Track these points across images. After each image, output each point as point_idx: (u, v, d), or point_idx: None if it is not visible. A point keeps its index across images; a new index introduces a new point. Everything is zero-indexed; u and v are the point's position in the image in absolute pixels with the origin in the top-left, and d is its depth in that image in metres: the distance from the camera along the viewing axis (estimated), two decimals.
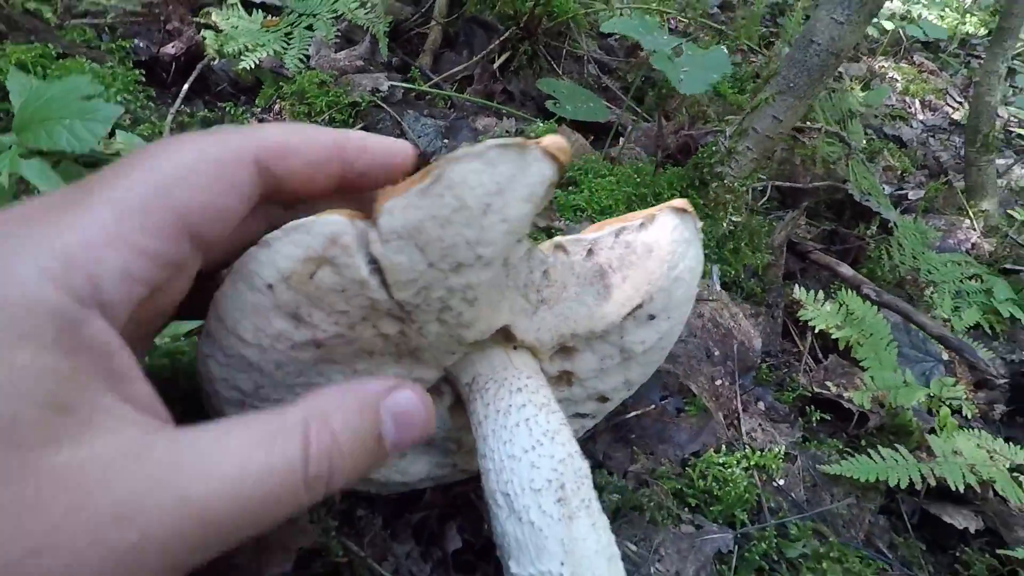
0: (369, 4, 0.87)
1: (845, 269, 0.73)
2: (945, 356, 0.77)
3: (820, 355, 0.69)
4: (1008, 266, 1.16)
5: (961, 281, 0.99)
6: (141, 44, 0.72)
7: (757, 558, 0.42)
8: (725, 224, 0.67)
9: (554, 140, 0.28)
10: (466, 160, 0.25)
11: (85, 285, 0.19)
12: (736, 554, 0.42)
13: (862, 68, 2.58)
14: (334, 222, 0.26)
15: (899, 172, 1.52)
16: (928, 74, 2.65)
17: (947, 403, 0.74)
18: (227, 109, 0.73)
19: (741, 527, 0.43)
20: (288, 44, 0.83)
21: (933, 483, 0.50)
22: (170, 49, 0.73)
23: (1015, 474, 0.56)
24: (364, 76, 0.83)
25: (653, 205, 0.66)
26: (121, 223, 0.20)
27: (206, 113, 0.71)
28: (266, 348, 0.28)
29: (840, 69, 2.57)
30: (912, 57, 2.83)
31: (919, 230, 1.04)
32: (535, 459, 0.30)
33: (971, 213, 1.20)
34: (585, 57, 1.13)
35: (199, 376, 0.31)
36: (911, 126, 2.02)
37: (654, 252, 0.36)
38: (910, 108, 2.36)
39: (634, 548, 0.39)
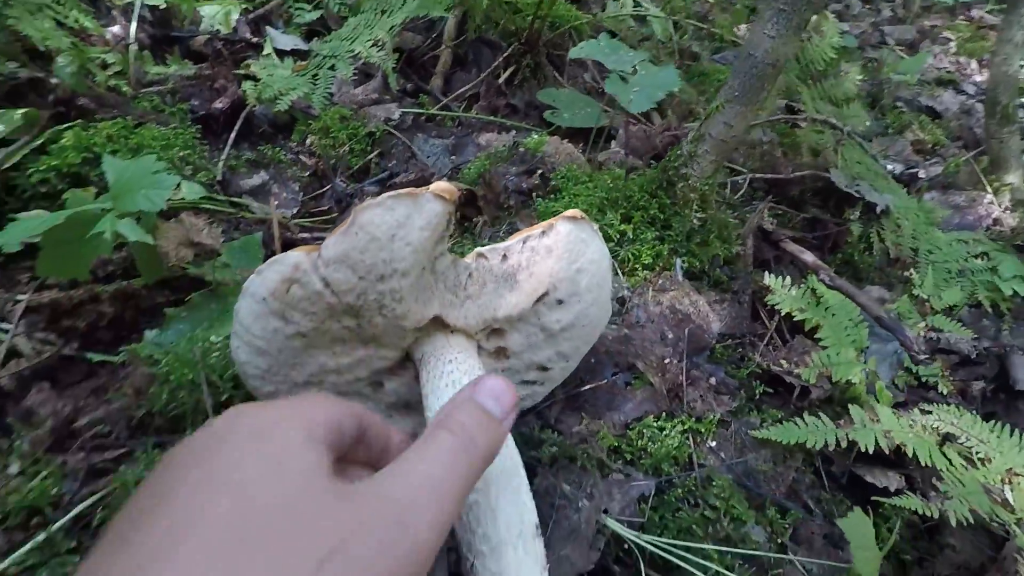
0: (380, 43, 1.00)
1: (807, 256, 0.79)
2: (922, 334, 0.81)
3: (788, 336, 0.76)
4: None
5: (966, 259, 1.01)
6: (196, 103, 0.88)
7: (674, 500, 0.51)
8: (692, 220, 0.75)
9: (440, 185, 0.39)
10: (370, 208, 0.37)
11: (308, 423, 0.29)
12: (659, 498, 0.51)
13: (911, 30, 2.47)
14: (296, 255, 0.38)
15: (930, 146, 1.50)
16: (988, 30, 2.49)
17: (924, 379, 0.79)
18: (266, 152, 0.87)
19: (662, 473, 0.53)
20: (315, 85, 0.96)
21: (845, 445, 0.57)
22: (218, 104, 0.88)
23: (947, 443, 0.61)
24: (378, 107, 0.96)
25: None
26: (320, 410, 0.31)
27: (249, 156, 0.86)
28: (268, 339, 0.42)
29: (886, 32, 2.47)
30: (970, 12, 2.66)
31: (923, 209, 1.06)
32: None
33: (992, 187, 1.19)
34: (589, 62, 1.21)
35: (233, 362, 0.44)
36: (962, 91, 1.93)
37: (553, 252, 0.46)
38: (965, 70, 2.25)
39: (568, 488, 0.50)
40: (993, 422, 0.66)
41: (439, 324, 0.45)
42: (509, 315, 0.47)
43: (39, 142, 0.71)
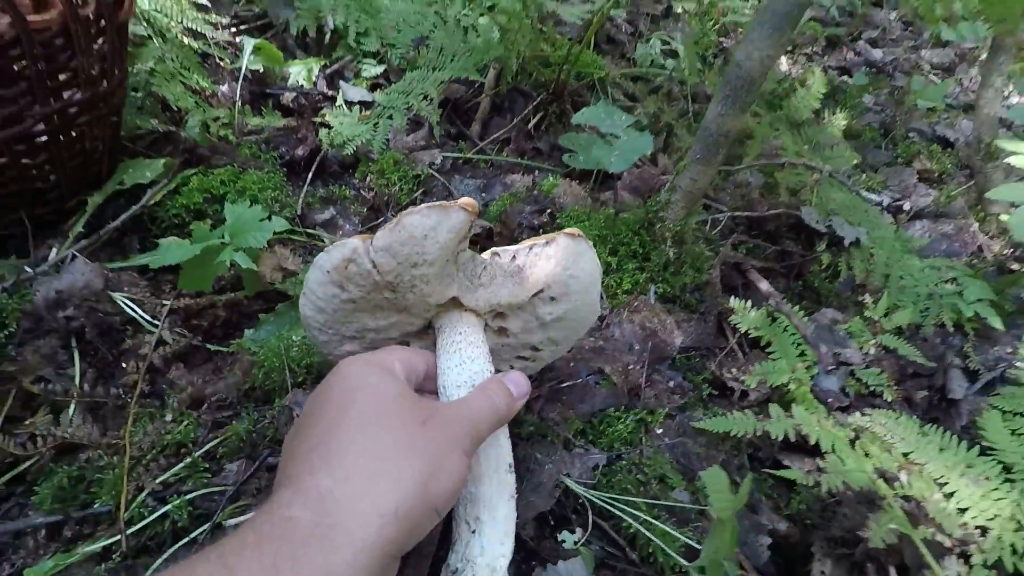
0: (429, 97, 1.21)
1: (763, 284, 0.94)
2: (871, 352, 0.95)
3: (747, 350, 0.92)
4: (1014, 267, 1.25)
5: (936, 284, 1.12)
6: (283, 150, 1.12)
7: (620, 470, 0.69)
8: (668, 254, 0.92)
9: (465, 200, 0.54)
10: (411, 214, 0.52)
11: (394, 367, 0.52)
12: (608, 468, 0.69)
13: (949, 54, 2.50)
14: (355, 242, 0.54)
15: (936, 174, 1.58)
16: None
17: (872, 388, 0.92)
18: (334, 190, 1.10)
19: (614, 450, 0.71)
20: (375, 132, 1.19)
21: (760, 435, 0.73)
22: (300, 151, 1.12)
23: (860, 439, 0.76)
24: (424, 152, 1.18)
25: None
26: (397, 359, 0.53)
27: (322, 193, 1.09)
28: (327, 301, 0.58)
29: (923, 56, 2.50)
30: None
31: (900, 239, 1.18)
32: (459, 370, 0.57)
33: (977, 217, 1.29)
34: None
35: (301, 316, 0.62)
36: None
37: (552, 259, 0.60)
38: None
39: (539, 456, 0.68)
40: (931, 425, 0.80)
41: (456, 303, 0.61)
42: (511, 303, 0.61)
43: (173, 185, 0.96)
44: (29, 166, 0.81)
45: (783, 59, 2.07)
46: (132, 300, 0.77)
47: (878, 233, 1.15)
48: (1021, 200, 1.03)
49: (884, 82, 2.09)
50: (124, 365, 0.74)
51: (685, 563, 0.61)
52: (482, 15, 1.44)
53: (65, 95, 0.80)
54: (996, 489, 0.76)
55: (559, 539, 0.64)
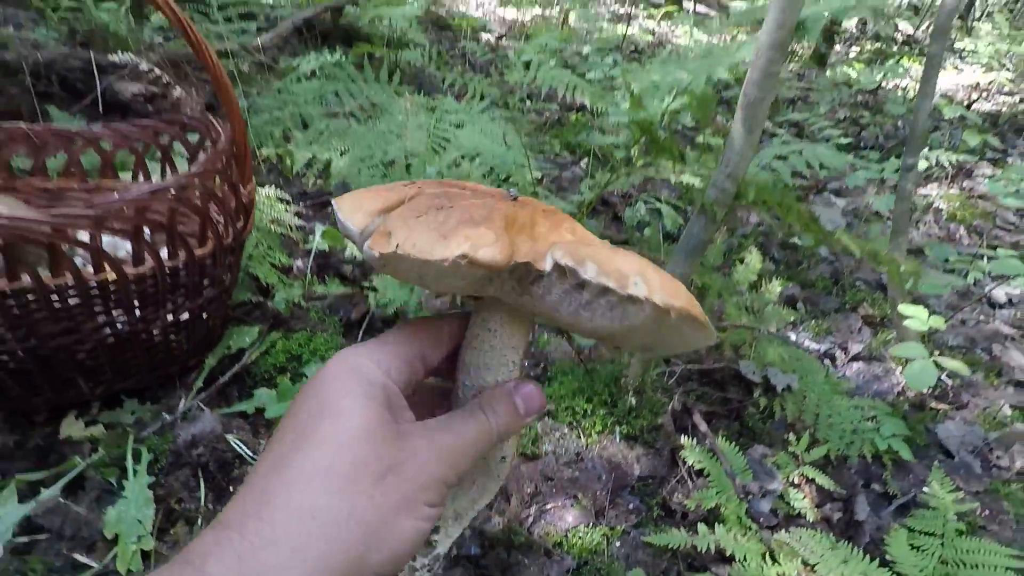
0: None
1: (703, 426, 1.22)
2: (795, 480, 1.20)
3: (695, 479, 1.18)
4: (933, 404, 1.51)
5: (859, 422, 1.39)
6: (341, 313, 1.48)
7: (586, 572, 0.95)
8: (630, 402, 1.22)
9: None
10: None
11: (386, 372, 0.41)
12: (577, 571, 0.95)
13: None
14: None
15: (878, 319, 1.88)
16: (978, 199, 2.84)
17: (798, 510, 1.17)
18: None
19: (582, 558, 0.97)
20: (411, 295, 1.55)
21: (690, 547, 0.98)
22: (354, 314, 1.47)
23: (775, 552, 1.01)
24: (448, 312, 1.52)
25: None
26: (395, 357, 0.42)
27: None
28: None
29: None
30: (963, 181, 3.02)
31: (830, 382, 1.46)
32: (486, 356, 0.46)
33: (900, 361, 1.57)
34: None
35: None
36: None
37: (638, 317, 0.42)
38: (955, 236, 2.61)
39: (526, 560, 0.95)
40: (843, 542, 1.04)
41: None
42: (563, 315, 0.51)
43: (264, 347, 1.31)
44: (173, 342, 1.17)
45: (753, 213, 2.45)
46: (240, 440, 1.08)
47: (810, 378, 1.43)
48: (913, 356, 1.32)
49: (844, 230, 2.44)
50: (232, 489, 1.04)
51: None
52: (499, 186, 1.84)
53: (204, 293, 1.17)
54: None
55: None
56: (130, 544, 0.89)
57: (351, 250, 1.72)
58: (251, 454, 1.07)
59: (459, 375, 0.46)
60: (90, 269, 0.97)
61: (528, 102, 3.06)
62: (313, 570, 0.34)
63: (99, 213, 0.92)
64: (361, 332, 1.45)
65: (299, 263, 1.62)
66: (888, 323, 1.84)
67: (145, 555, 0.90)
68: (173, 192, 1.00)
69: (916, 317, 1.40)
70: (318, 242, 1.62)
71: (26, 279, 0.92)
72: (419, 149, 2.00)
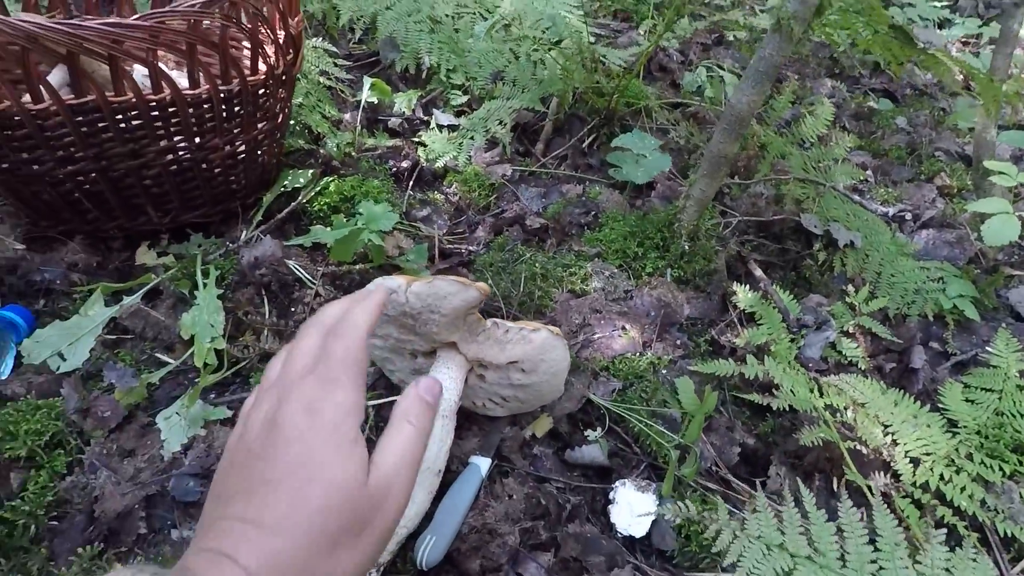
0: (503, 122, 1.53)
1: (758, 272, 1.19)
2: (849, 330, 1.17)
3: (744, 323, 1.17)
4: (1007, 271, 1.43)
5: (924, 282, 1.33)
6: (391, 163, 1.47)
7: (631, 393, 0.97)
8: (683, 246, 1.19)
9: (483, 285, 0.72)
10: (442, 281, 0.71)
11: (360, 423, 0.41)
12: (623, 392, 0.98)
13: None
14: (400, 280, 0.72)
15: (956, 190, 1.75)
16: None
17: (849, 359, 1.16)
18: (428, 195, 1.44)
19: (628, 381, 0.99)
20: (460, 150, 1.53)
21: (737, 376, 0.98)
22: (404, 164, 1.47)
23: (815, 385, 1.01)
24: (498, 167, 1.50)
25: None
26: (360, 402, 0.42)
27: (420, 196, 1.43)
28: None
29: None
30: None
31: (896, 243, 1.39)
32: None
33: (976, 226, 1.47)
34: (651, 129, 1.66)
35: None
36: None
37: (532, 343, 0.78)
38: None
39: (572, 380, 0.97)
40: (895, 389, 1.03)
41: (454, 345, 0.80)
42: (491, 361, 0.80)
43: (318, 188, 1.33)
44: (231, 175, 1.19)
45: (827, 81, 2.27)
46: (299, 266, 1.12)
47: (875, 238, 1.37)
48: (992, 212, 1.24)
49: (926, 103, 2.24)
50: (292, 309, 1.10)
51: (669, 447, 0.88)
52: (549, 50, 1.75)
53: (259, 127, 1.17)
54: (935, 435, 0.99)
55: (585, 434, 0.93)
56: (205, 344, 0.96)
57: (400, 105, 1.69)
58: (309, 278, 1.12)
59: None
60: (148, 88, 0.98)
61: None
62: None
63: (153, 24, 0.91)
64: (411, 182, 1.45)
65: (347, 116, 1.60)
66: (967, 194, 1.72)
67: (218, 354, 0.97)
68: (224, 8, 0.98)
69: (1005, 173, 1.29)
70: (367, 94, 1.59)
71: (92, 96, 0.94)
72: (468, 6, 1.89)
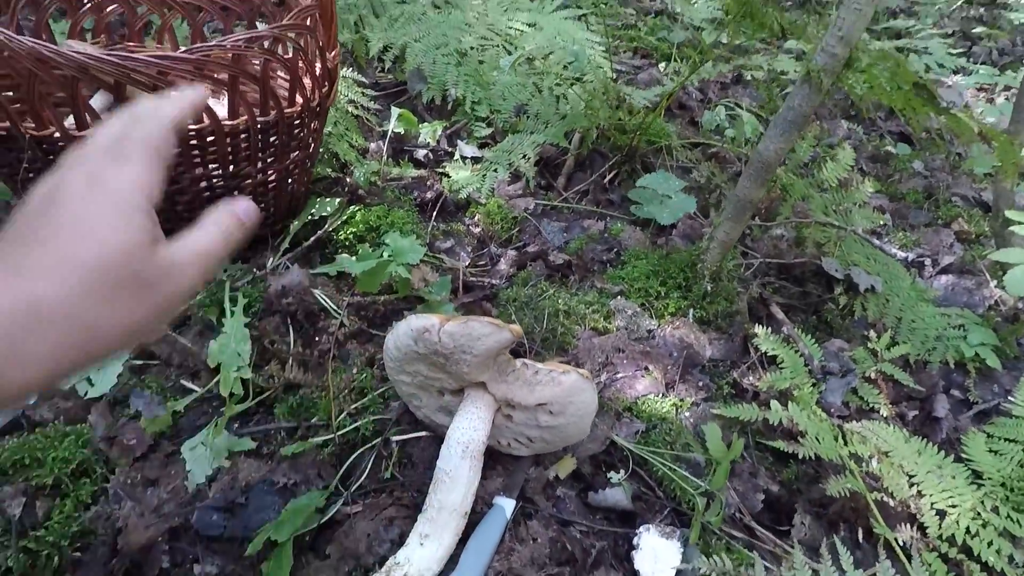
0: (526, 156, 1.55)
1: (780, 315, 1.19)
2: (871, 376, 1.17)
3: (766, 365, 1.17)
4: None
5: (944, 329, 1.33)
6: (416, 194, 1.49)
7: (654, 435, 0.97)
8: (706, 287, 1.20)
9: (516, 328, 0.73)
10: (477, 322, 0.72)
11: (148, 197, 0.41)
12: (647, 434, 0.98)
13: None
14: (435, 319, 0.73)
15: (973, 236, 1.75)
16: None
17: (871, 404, 1.15)
18: (452, 225, 1.45)
19: (652, 422, 0.99)
20: (483, 181, 1.54)
21: (760, 421, 0.98)
22: (428, 195, 1.49)
23: (839, 432, 1.00)
24: (521, 200, 1.51)
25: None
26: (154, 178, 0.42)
27: (444, 227, 1.45)
28: (402, 349, 0.79)
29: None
30: None
31: (916, 289, 1.40)
32: (463, 432, 0.78)
33: (996, 274, 1.47)
34: (672, 167, 1.68)
35: (385, 344, 0.85)
36: None
37: (562, 385, 0.78)
38: None
39: (597, 421, 0.97)
40: (918, 437, 1.02)
41: (483, 385, 0.81)
42: (520, 403, 0.81)
43: (344, 217, 1.34)
44: (262, 203, 1.21)
45: (843, 123, 2.29)
46: (325, 296, 1.13)
47: (895, 283, 1.37)
48: (1014, 262, 1.24)
49: (941, 147, 2.26)
50: (317, 338, 1.10)
51: (694, 492, 0.88)
52: (571, 85, 1.78)
53: (291, 156, 1.19)
54: (960, 487, 0.98)
55: (608, 475, 0.93)
56: (231, 372, 0.96)
57: (426, 135, 1.71)
58: (335, 308, 1.13)
59: (450, 431, 0.81)
60: None
61: (602, 5, 2.90)
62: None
63: (199, 57, 0.94)
64: (434, 213, 1.47)
65: (373, 146, 1.63)
66: (984, 241, 1.73)
67: (244, 383, 0.97)
68: (267, 44, 1.01)
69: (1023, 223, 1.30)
70: (394, 125, 1.62)
71: None
72: (492, 39, 1.94)
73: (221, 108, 1.06)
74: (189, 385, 1.00)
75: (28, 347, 0.34)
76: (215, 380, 0.98)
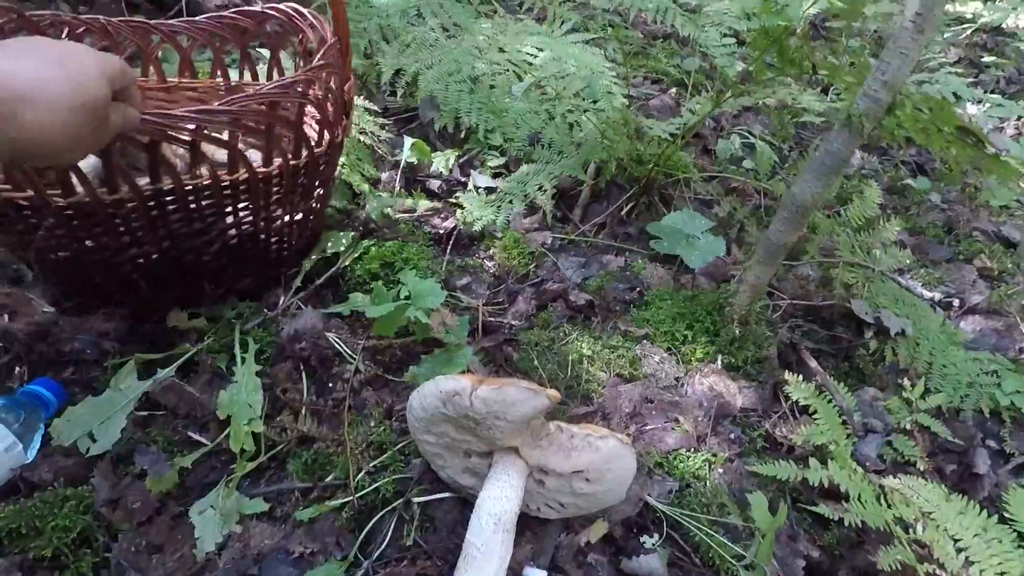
0: (543, 188, 1.51)
1: (811, 362, 1.15)
2: (906, 427, 1.13)
3: (798, 415, 1.12)
4: None
5: (977, 375, 1.28)
6: (429, 228, 1.45)
7: (689, 496, 0.92)
8: (734, 331, 1.16)
9: (554, 393, 0.69)
10: (512, 387, 0.68)
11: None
12: (680, 494, 0.92)
13: None
14: (466, 382, 0.69)
15: (996, 273, 1.72)
16: None
17: (907, 458, 1.10)
18: (468, 261, 1.41)
19: (684, 481, 0.94)
20: (498, 213, 1.50)
21: (800, 481, 0.93)
22: (441, 228, 1.44)
23: (880, 492, 0.95)
24: (538, 234, 1.47)
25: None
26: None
27: (459, 263, 1.40)
28: (429, 410, 0.75)
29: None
30: None
31: (946, 332, 1.36)
32: (494, 502, 0.73)
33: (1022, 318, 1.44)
34: (690, 198, 1.65)
35: (409, 402, 0.81)
36: None
37: (600, 452, 0.75)
38: None
39: None
40: (958, 494, 0.98)
41: (515, 450, 0.77)
42: (554, 470, 0.77)
43: (358, 253, 1.30)
44: (284, 243, 1.16)
45: (857, 152, 2.26)
46: (339, 339, 1.08)
47: (924, 325, 1.33)
48: None
49: (958, 178, 2.23)
50: (331, 385, 1.05)
51: (736, 563, 0.83)
52: (584, 111, 1.75)
53: (315, 194, 1.15)
54: (1008, 550, 0.93)
55: (641, 541, 0.87)
56: (242, 426, 0.91)
57: (438, 164, 1.67)
58: (350, 353, 1.07)
59: (479, 501, 0.76)
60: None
61: (610, 29, 2.88)
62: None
63: (237, 109, 0.89)
64: (449, 246, 1.43)
65: (385, 176, 1.59)
66: (1007, 277, 1.69)
67: (255, 437, 0.92)
68: (300, 88, 0.96)
69: None
70: (407, 154, 1.58)
71: (167, 180, 0.90)
72: (503, 64, 1.90)
73: (253, 152, 1.01)
74: (197, 438, 0.94)
75: None
76: (224, 433, 0.93)
